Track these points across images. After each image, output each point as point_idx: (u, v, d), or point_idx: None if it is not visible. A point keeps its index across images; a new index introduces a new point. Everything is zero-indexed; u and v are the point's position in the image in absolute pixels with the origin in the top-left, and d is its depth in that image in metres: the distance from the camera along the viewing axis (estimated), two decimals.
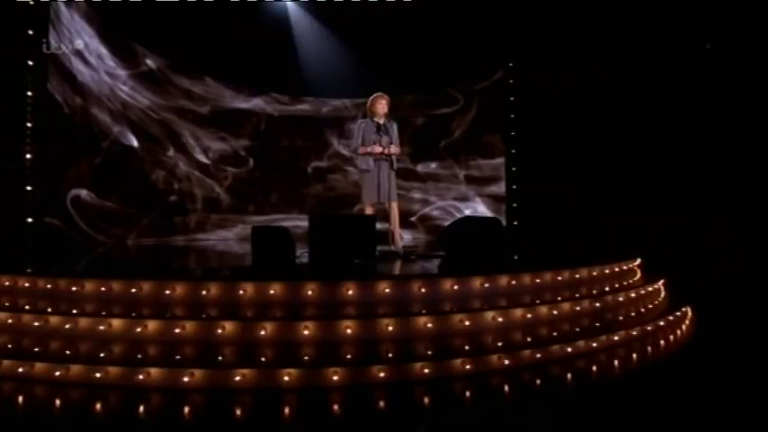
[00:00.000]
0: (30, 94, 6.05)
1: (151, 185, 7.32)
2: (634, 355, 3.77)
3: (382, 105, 5.59)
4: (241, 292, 3.52)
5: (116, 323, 3.36)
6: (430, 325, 3.42)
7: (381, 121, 5.55)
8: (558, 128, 7.60)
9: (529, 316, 3.69)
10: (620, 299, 4.33)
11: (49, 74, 6.16)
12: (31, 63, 6.04)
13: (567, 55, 7.46)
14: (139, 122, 7.15)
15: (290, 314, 3.46)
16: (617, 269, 4.81)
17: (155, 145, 7.36)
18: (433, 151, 8.48)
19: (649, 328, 4.11)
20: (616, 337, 3.81)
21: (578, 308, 3.95)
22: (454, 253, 5.10)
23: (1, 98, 5.86)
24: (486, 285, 3.79)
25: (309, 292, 3.52)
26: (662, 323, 4.26)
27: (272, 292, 3.51)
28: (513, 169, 8.29)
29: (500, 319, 3.58)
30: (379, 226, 4.81)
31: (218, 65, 7.56)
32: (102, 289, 3.61)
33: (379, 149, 5.49)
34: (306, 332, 3.28)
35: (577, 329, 3.82)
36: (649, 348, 3.92)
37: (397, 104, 8.15)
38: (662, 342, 4.06)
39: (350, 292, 3.54)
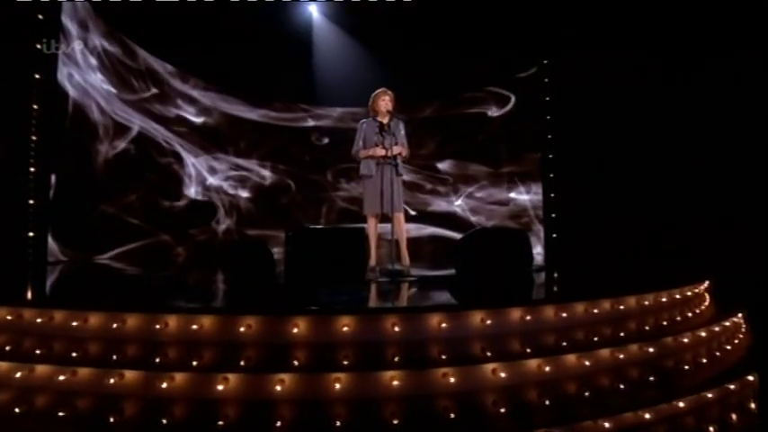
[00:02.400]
0: (36, 107, 5.47)
1: (165, 200, 6.57)
2: (711, 429, 2.37)
3: (385, 102, 4.49)
4: (158, 326, 2.49)
5: (2, 366, 2.43)
6: (397, 383, 2.22)
7: (385, 121, 4.44)
8: (601, 129, 6.12)
9: (548, 369, 2.40)
10: (685, 340, 2.91)
11: (55, 86, 5.56)
12: (38, 76, 5.47)
13: (610, 47, 6.04)
14: (149, 135, 6.43)
15: (216, 359, 2.39)
16: (678, 296, 3.37)
17: (167, 158, 6.62)
18: (468, 151, 7.33)
19: (732, 386, 2.66)
20: (681, 404, 2.42)
21: (622, 355, 2.60)
22: (466, 274, 3.86)
23: (6, 110, 5.28)
24: (489, 322, 2.53)
25: (242, 329, 2.43)
26: (750, 378, 2.79)
27: (194, 327, 2.45)
28: (551, 176, 6.86)
29: (503, 375, 2.32)
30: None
31: (232, 74, 6.77)
32: (9, 318, 2.71)
33: (381, 152, 4.38)
34: (220, 387, 2.18)
35: (622, 386, 2.48)
36: (734, 417, 2.50)
37: (434, 106, 7.34)
38: (751, 405, 2.61)
39: (295, 331, 2.42)
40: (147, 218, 6.34)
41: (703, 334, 3.03)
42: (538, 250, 6.69)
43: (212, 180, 6.97)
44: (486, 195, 7.34)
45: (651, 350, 2.69)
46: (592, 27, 6.14)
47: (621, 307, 2.94)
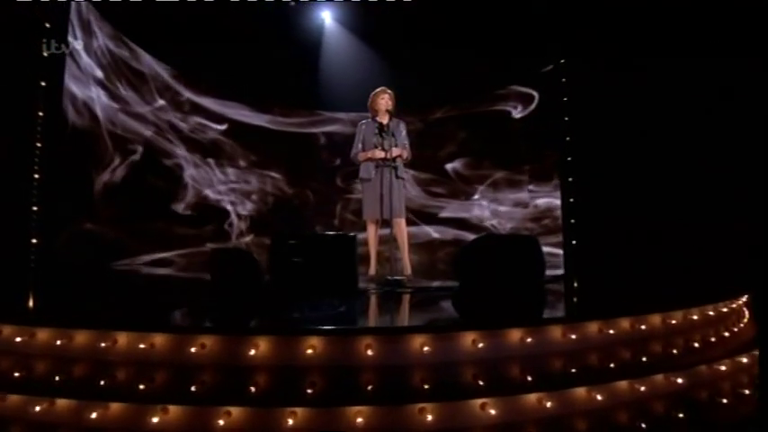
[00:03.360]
0: (41, 114, 5.32)
1: (173, 208, 6.35)
2: None
3: (384, 101, 4.12)
4: (103, 344, 2.15)
5: None
6: (361, 420, 1.80)
7: (385, 121, 4.07)
8: (624, 130, 5.56)
9: (549, 405, 1.94)
10: (722, 368, 2.39)
11: (62, 94, 5.40)
12: (44, 84, 5.32)
13: (631, 46, 5.48)
14: (154, 145, 6.22)
15: (168, 382, 2.04)
16: (712, 313, 2.84)
17: (173, 168, 6.40)
18: (487, 152, 6.90)
19: None
20: None
21: (644, 387, 2.11)
22: (469, 287, 3.41)
23: (11, 117, 5.14)
24: (481, 345, 2.09)
25: (193, 350, 2.07)
26: None
27: (142, 346, 2.11)
28: (570, 179, 6.30)
29: (493, 412, 1.88)
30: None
31: (241, 80, 6.53)
32: None
33: (380, 154, 4.01)
34: (155, 420, 1.82)
35: (643, 425, 1.99)
36: None
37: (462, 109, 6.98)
38: None
39: (252, 353, 2.04)
40: (156, 228, 6.13)
41: (744, 360, 2.49)
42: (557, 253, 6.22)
43: (224, 187, 6.75)
44: (504, 197, 6.91)
45: (681, 381, 2.18)
46: (612, 26, 5.62)
47: (643, 327, 2.44)
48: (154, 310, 2.70)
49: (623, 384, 2.09)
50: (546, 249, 6.51)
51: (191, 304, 2.93)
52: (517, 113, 6.97)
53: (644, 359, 2.30)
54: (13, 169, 5.16)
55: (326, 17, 7.07)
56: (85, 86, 5.57)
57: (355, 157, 4.18)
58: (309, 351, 2.01)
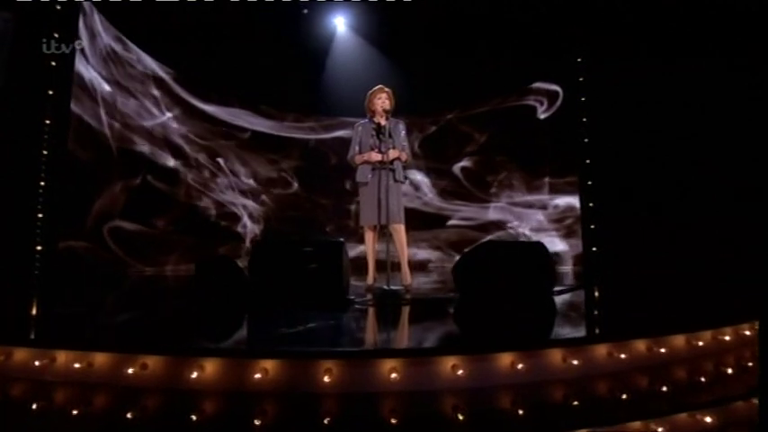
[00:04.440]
0: (48, 122, 5.24)
1: (182, 212, 6.19)
2: None
3: (382, 100, 3.79)
4: (37, 363, 1.90)
5: None
6: None
7: (382, 122, 3.74)
8: (645, 131, 5.07)
9: None
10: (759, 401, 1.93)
11: (71, 98, 5.31)
12: (51, 93, 5.25)
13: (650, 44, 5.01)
14: (165, 149, 6.09)
15: (107, 404, 1.76)
16: (748, 332, 2.38)
17: (181, 169, 6.25)
18: (506, 154, 6.59)
19: None
20: None
21: (662, 429, 1.69)
22: (469, 299, 3.03)
23: (19, 124, 5.08)
24: (461, 372, 1.73)
25: (131, 371, 1.79)
26: None
27: (77, 366, 1.84)
28: (589, 183, 5.82)
29: None
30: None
31: (247, 85, 6.37)
32: None
33: (376, 157, 3.67)
34: None
35: None
36: None
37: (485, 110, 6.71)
38: None
39: (195, 375, 1.74)
40: (167, 236, 5.99)
41: None
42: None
43: (233, 193, 6.58)
44: (524, 199, 6.50)
45: (709, 420, 1.75)
46: (634, 27, 5.16)
47: (663, 350, 2.02)
48: (99, 325, 2.44)
49: (636, 426, 1.68)
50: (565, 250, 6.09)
51: (140, 319, 2.64)
52: (542, 111, 6.56)
53: (663, 389, 1.88)
54: (20, 176, 5.10)
55: (339, 23, 6.87)
56: (91, 102, 5.48)
57: (352, 160, 3.87)
58: (259, 375, 1.70)
